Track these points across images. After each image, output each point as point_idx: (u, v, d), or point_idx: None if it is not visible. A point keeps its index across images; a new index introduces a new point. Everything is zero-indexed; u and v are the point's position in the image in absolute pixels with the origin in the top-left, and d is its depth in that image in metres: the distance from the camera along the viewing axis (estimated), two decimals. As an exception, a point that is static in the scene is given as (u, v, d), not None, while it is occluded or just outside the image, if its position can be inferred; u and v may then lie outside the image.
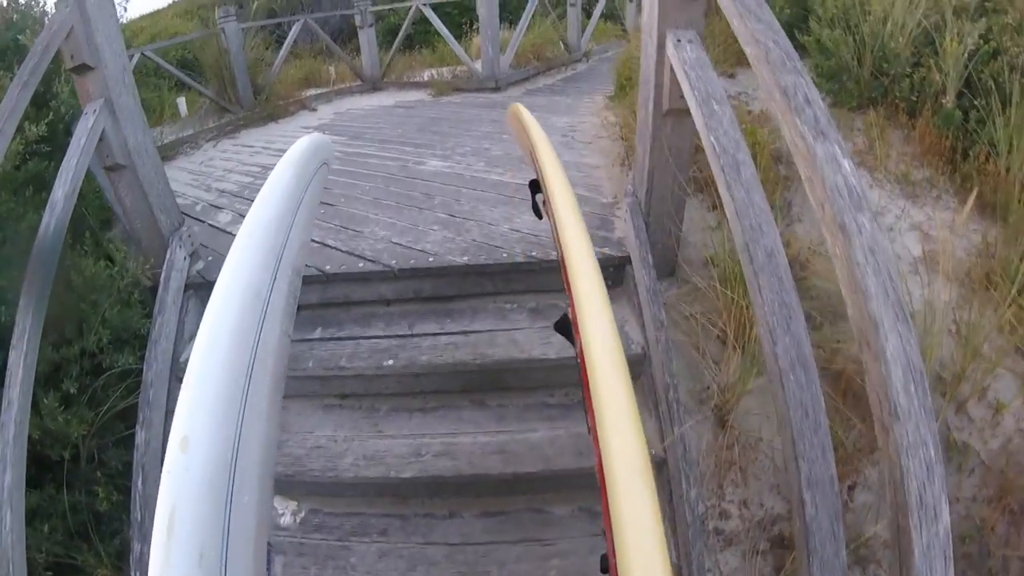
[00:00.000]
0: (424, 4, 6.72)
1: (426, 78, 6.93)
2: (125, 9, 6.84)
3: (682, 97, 1.73)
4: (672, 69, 1.73)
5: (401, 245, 2.38)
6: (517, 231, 2.39)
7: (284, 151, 0.98)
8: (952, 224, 2.38)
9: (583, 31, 7.95)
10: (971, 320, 1.92)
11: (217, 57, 5.82)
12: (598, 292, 0.65)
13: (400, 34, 6.98)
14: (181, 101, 6.09)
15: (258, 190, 0.91)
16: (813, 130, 1.08)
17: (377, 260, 2.26)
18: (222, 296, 0.67)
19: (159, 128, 5.85)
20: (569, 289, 0.71)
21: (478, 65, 6.42)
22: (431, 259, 2.23)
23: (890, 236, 2.33)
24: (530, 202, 1.45)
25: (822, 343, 1.88)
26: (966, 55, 2.64)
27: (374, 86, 7.14)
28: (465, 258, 2.21)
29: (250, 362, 0.64)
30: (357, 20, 7.05)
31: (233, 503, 0.56)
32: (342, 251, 2.39)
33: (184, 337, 2.26)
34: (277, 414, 0.77)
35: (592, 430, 0.58)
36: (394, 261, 2.24)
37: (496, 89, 6.14)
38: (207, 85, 6.00)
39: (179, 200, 3.71)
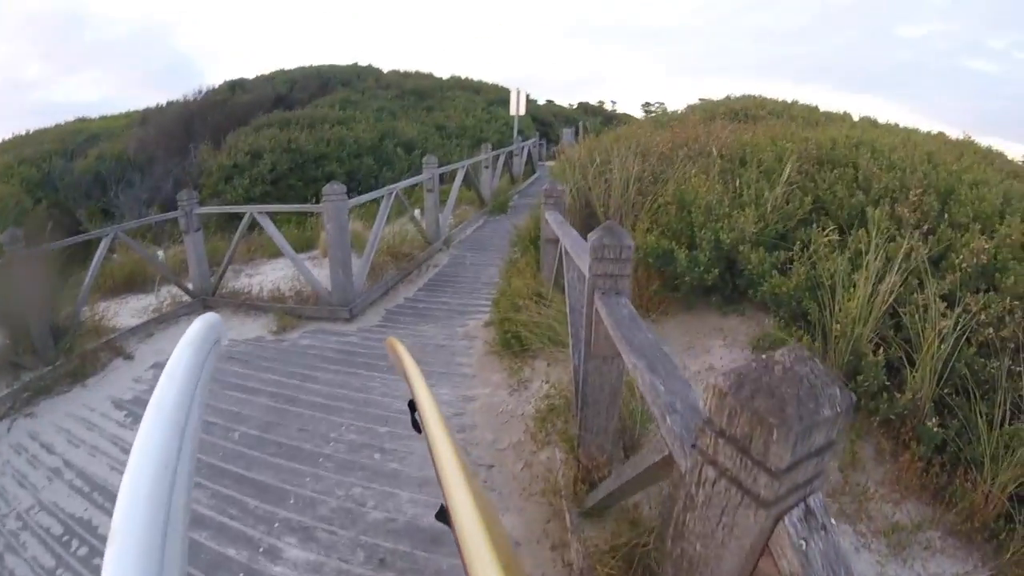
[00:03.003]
0: (259, 213, 5.90)
1: (266, 293, 5.96)
2: None
3: None
4: None
5: None
6: None
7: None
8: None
9: (442, 211, 7.61)
10: None
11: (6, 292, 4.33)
12: (465, 484, 0.73)
13: (229, 252, 6.04)
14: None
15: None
16: None
17: None
18: (135, 468, 0.67)
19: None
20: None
21: (326, 279, 5.63)
22: None
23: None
24: None
25: None
26: (942, 348, 2.51)
27: (204, 303, 6.02)
28: None
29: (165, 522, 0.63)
30: (181, 223, 5.94)
31: None
32: None
33: None
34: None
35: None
36: None
37: (350, 319, 5.38)
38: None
39: None
